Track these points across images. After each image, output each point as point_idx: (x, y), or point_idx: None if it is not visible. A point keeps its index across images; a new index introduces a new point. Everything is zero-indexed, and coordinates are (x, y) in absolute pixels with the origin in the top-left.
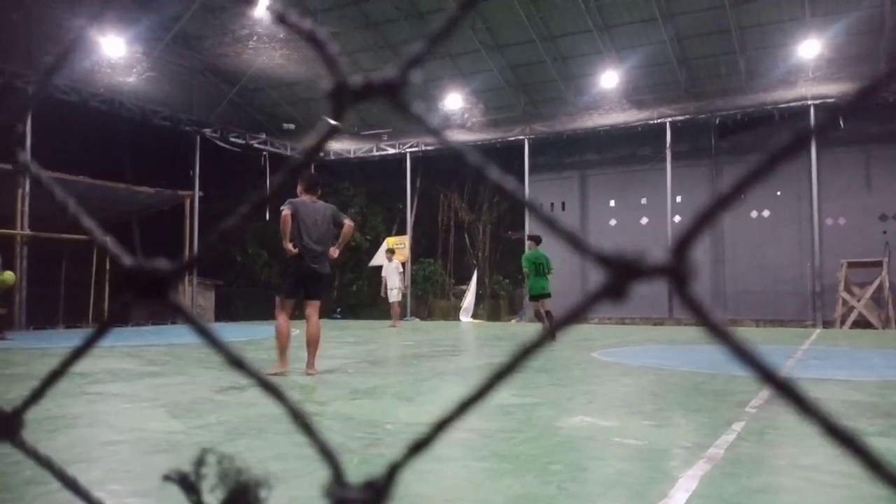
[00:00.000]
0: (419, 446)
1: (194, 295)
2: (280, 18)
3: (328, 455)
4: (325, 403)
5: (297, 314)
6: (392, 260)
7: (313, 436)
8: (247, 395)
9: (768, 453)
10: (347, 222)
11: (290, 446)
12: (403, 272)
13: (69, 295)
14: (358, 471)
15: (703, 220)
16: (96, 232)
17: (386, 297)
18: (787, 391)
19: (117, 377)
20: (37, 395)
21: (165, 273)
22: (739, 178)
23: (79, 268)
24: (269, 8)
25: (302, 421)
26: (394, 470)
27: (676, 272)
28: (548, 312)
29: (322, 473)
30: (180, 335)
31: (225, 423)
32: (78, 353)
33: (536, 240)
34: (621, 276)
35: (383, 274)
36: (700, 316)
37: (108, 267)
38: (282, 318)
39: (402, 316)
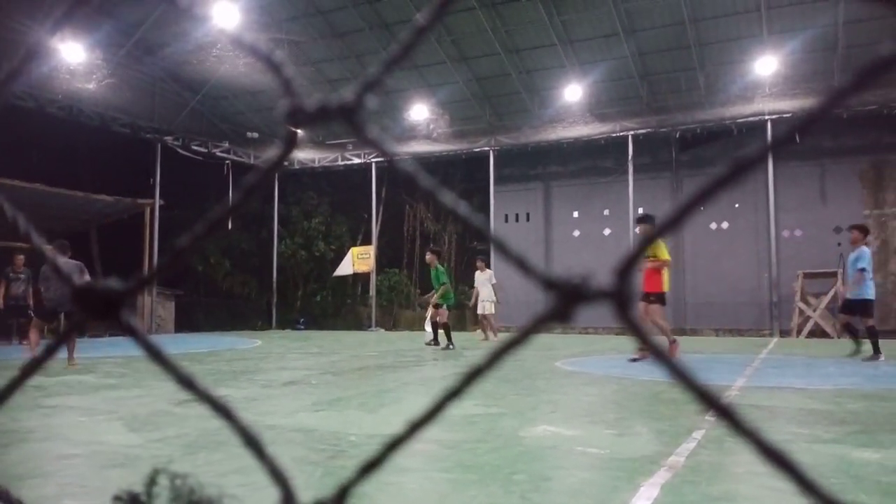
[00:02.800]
0: (370, 467)
1: (154, 306)
2: (237, 41)
3: (278, 477)
4: (288, 415)
5: (259, 325)
6: (484, 270)
7: (263, 457)
8: (206, 408)
9: (727, 461)
10: (87, 278)
11: (251, 459)
12: (496, 283)
13: None
14: (321, 483)
15: (644, 246)
16: (48, 252)
17: (422, 307)
18: (724, 414)
19: (73, 390)
20: None
21: (117, 293)
22: (680, 204)
23: (34, 277)
24: (225, 30)
25: (253, 442)
26: (343, 491)
27: (618, 296)
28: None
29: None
30: (138, 347)
31: (184, 437)
32: (27, 374)
33: (439, 254)
34: (566, 299)
35: (476, 285)
36: (640, 338)
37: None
38: (34, 334)
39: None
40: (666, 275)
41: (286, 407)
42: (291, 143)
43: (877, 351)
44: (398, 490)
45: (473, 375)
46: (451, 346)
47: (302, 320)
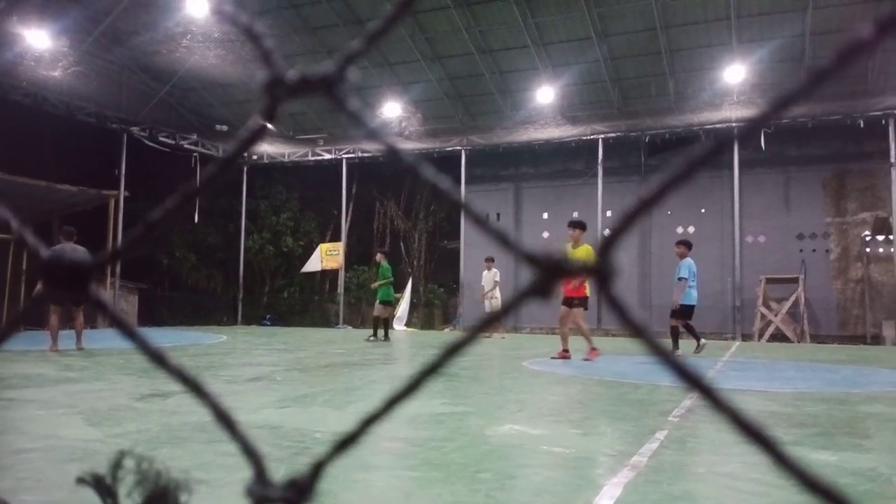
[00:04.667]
0: (344, 443)
1: (116, 298)
2: (217, 11)
3: (250, 453)
4: (253, 412)
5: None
6: (491, 268)
7: (236, 434)
8: (169, 403)
9: (689, 461)
10: None
11: (214, 455)
12: (499, 281)
13: None
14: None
15: (627, 223)
16: (12, 221)
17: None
18: (697, 385)
19: (31, 382)
20: None
21: (84, 266)
22: (660, 182)
23: None
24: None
25: (224, 419)
26: (318, 468)
27: (600, 272)
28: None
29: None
30: (99, 340)
31: (145, 432)
32: None
33: (386, 254)
34: (548, 274)
35: (483, 283)
36: (621, 313)
37: (24, 267)
38: (54, 318)
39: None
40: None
41: (251, 403)
42: (270, 115)
43: (676, 347)
44: (364, 487)
45: (454, 350)
46: (373, 339)
47: (269, 316)
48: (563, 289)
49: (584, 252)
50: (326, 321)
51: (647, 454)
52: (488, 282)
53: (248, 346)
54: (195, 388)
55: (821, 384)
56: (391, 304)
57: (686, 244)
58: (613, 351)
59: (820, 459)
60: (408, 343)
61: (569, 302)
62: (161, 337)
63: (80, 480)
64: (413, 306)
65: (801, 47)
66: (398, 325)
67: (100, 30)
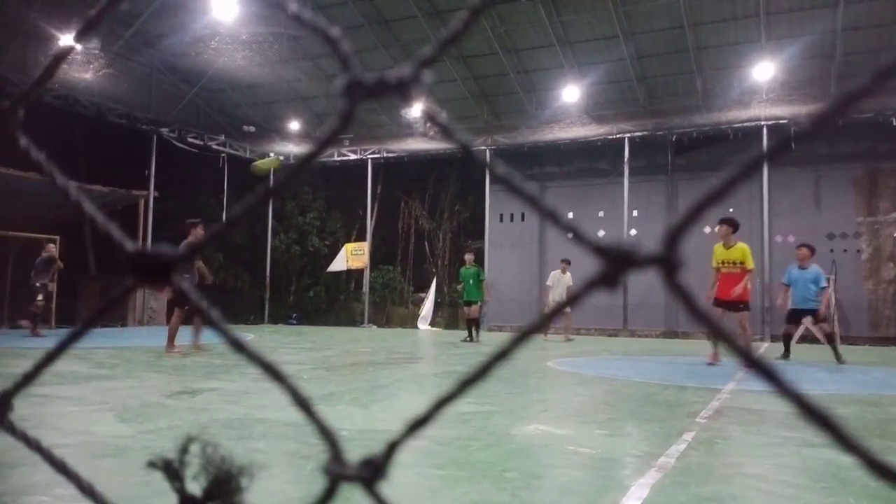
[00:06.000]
0: (417, 425)
1: (146, 298)
2: (296, 17)
3: (327, 434)
4: (280, 409)
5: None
6: (566, 272)
7: (313, 417)
8: (198, 400)
9: (717, 463)
10: (200, 264)
11: (243, 452)
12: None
13: (15, 295)
14: (313, 477)
15: (694, 214)
16: (98, 216)
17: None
18: (763, 371)
19: (64, 379)
20: (29, 378)
21: (169, 258)
22: (729, 175)
23: (26, 267)
24: (283, 5)
25: (302, 403)
26: (392, 448)
27: (667, 262)
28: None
29: (275, 482)
30: (130, 338)
31: (175, 429)
32: (79, 333)
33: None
34: (616, 264)
35: (549, 283)
36: (687, 303)
37: (55, 266)
38: (176, 317)
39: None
40: (750, 283)
41: (277, 401)
42: (348, 115)
43: (838, 355)
44: (389, 485)
45: (528, 333)
46: (469, 339)
47: (294, 315)
48: (724, 293)
49: (739, 251)
50: (351, 320)
51: (674, 455)
52: (561, 284)
53: (275, 344)
54: (273, 373)
55: (852, 386)
56: (477, 304)
57: (810, 248)
58: (639, 352)
59: (850, 462)
60: (432, 342)
61: (733, 306)
62: (189, 335)
63: (151, 464)
64: (437, 306)
65: (831, 44)
66: (422, 325)
67: (130, 32)
